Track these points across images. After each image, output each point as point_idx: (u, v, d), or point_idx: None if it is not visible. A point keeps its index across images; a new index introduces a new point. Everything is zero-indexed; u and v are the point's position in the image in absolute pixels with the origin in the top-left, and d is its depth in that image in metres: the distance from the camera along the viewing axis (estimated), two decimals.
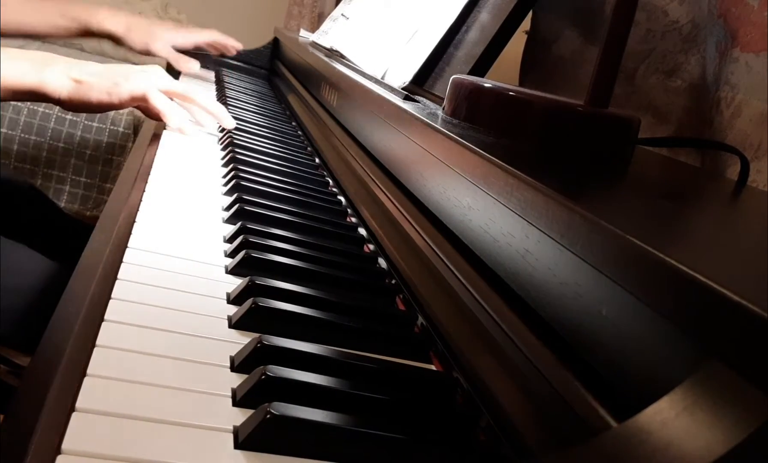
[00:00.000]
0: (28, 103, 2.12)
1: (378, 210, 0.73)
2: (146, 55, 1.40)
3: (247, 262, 0.59)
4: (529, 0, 0.80)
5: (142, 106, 1.00)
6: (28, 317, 0.90)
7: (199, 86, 1.38)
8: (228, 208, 0.75)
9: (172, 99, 1.04)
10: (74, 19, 1.34)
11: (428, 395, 0.47)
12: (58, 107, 2.10)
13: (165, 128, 1.04)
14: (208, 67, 1.79)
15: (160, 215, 0.69)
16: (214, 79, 1.67)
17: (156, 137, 1.00)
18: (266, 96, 1.63)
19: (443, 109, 0.67)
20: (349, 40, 1.19)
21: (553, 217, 0.39)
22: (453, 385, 0.47)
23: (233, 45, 1.44)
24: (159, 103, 0.99)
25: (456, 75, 0.67)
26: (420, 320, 0.56)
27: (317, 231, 0.73)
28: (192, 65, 1.44)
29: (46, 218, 1.29)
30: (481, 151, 0.49)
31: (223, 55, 1.62)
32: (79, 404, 0.37)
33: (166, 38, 1.35)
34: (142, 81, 0.98)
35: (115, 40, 1.36)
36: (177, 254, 0.60)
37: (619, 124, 0.62)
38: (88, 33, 1.36)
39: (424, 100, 0.76)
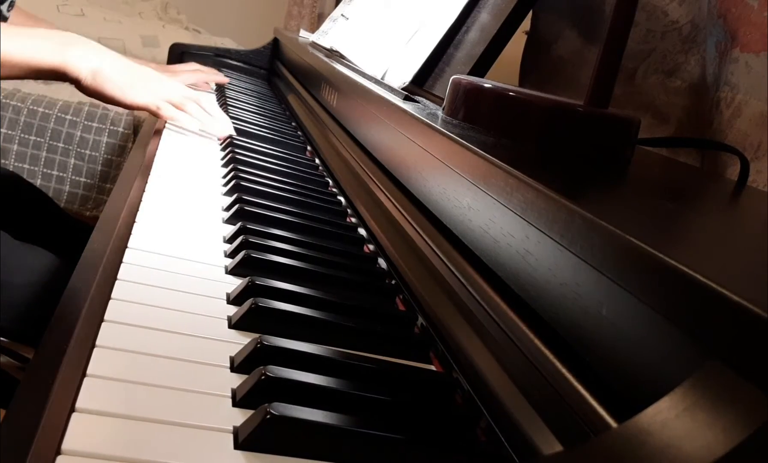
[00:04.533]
0: (29, 102, 2.12)
1: (378, 210, 0.73)
2: None
3: (247, 262, 0.59)
4: (529, 0, 0.80)
5: (152, 113, 1.04)
6: (35, 310, 0.91)
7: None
8: (228, 209, 0.75)
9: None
10: None
11: (428, 396, 0.47)
12: (58, 107, 2.10)
13: (165, 127, 1.05)
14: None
15: (160, 215, 0.69)
16: None
17: (156, 137, 1.00)
18: (266, 96, 1.63)
19: (443, 109, 0.67)
20: (349, 41, 1.19)
21: (553, 218, 0.39)
22: (453, 385, 0.47)
23: (219, 79, 1.47)
24: (168, 114, 1.03)
25: (456, 75, 0.67)
26: (420, 320, 0.56)
27: (317, 231, 0.73)
28: None
29: (48, 217, 1.30)
30: (481, 151, 0.49)
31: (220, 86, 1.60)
32: (79, 404, 0.37)
33: None
34: (157, 93, 1.02)
35: None
36: (177, 254, 0.60)
37: (619, 125, 0.62)
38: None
39: (424, 100, 0.76)
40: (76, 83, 0.98)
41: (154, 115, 1.04)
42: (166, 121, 1.07)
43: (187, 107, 1.04)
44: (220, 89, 1.52)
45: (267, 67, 1.92)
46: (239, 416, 0.39)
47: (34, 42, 0.94)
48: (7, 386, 1.13)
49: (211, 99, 1.12)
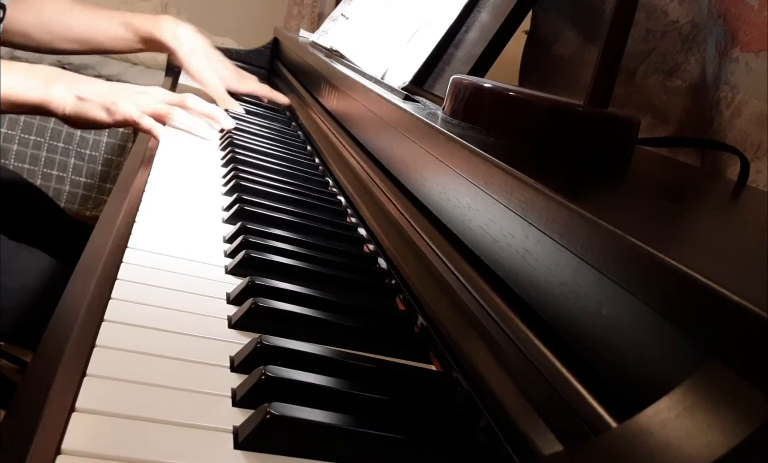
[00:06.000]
0: None
1: (378, 210, 0.73)
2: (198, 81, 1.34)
3: (247, 262, 0.59)
4: (529, 0, 0.80)
5: (134, 126, 1.04)
6: (32, 314, 0.91)
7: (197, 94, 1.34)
8: (228, 209, 0.75)
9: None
10: (137, 31, 1.32)
11: (428, 396, 0.47)
12: None
13: (165, 126, 1.05)
14: None
15: (160, 215, 0.69)
16: None
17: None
18: None
19: (443, 109, 0.67)
20: (349, 40, 1.19)
21: (553, 218, 0.39)
22: (453, 385, 0.47)
23: (281, 99, 1.42)
24: (146, 125, 1.01)
25: (456, 75, 0.67)
26: (420, 320, 0.56)
27: (317, 231, 0.73)
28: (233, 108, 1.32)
29: (47, 218, 1.30)
30: (481, 151, 0.49)
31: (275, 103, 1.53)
32: (79, 404, 0.37)
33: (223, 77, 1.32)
34: (136, 105, 1.01)
35: (176, 56, 1.32)
36: (177, 254, 0.60)
37: (619, 124, 0.62)
38: (150, 45, 1.34)
39: (424, 100, 0.76)
40: (61, 117, 0.99)
41: (135, 127, 1.03)
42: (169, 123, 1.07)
43: (173, 114, 1.04)
44: None
45: (267, 67, 1.91)
46: (239, 416, 0.39)
47: (17, 78, 0.95)
48: (5, 389, 1.13)
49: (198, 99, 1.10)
